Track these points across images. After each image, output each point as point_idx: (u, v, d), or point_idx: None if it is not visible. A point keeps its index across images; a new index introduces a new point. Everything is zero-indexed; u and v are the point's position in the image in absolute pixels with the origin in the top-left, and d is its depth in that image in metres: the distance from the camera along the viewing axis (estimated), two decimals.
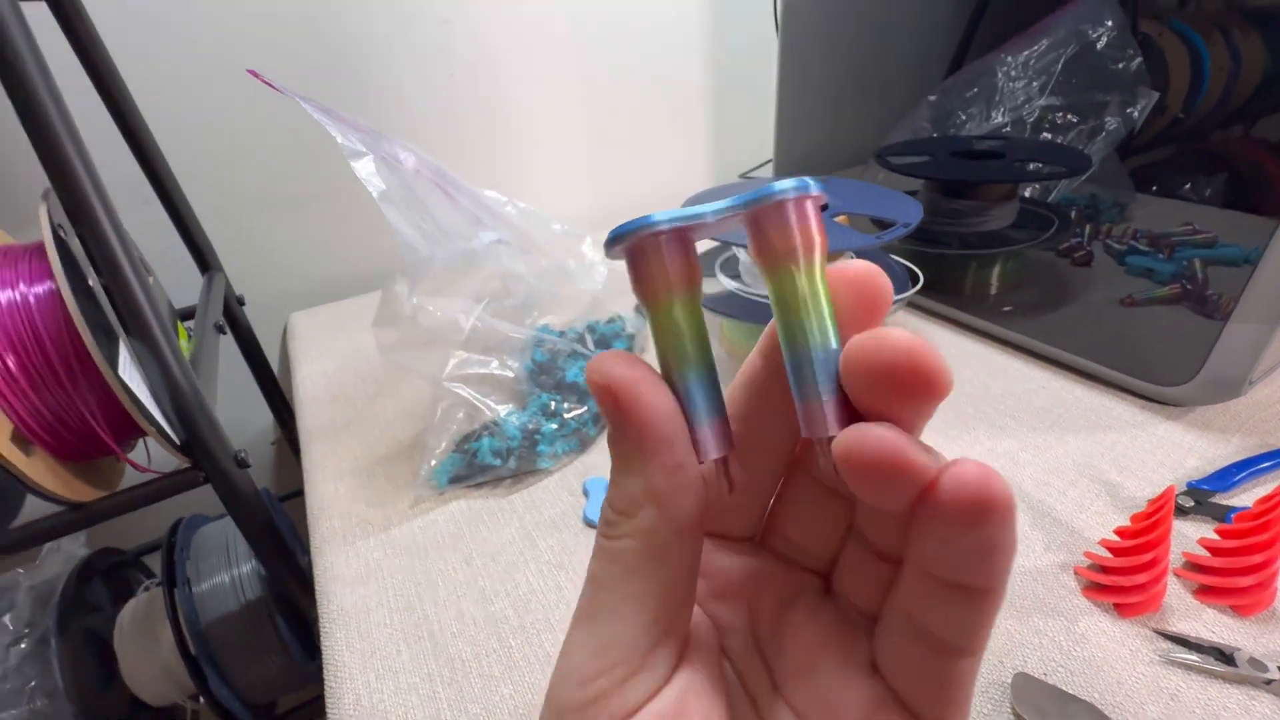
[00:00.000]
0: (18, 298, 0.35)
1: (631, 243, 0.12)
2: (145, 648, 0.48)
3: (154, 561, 0.60)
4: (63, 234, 0.37)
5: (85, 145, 0.34)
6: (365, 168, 0.36)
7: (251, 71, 0.37)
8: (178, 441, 0.39)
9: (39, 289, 0.36)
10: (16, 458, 0.33)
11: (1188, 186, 0.67)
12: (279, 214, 0.73)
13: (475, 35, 0.74)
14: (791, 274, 0.12)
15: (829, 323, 0.12)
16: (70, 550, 0.53)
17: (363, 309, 0.72)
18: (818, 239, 0.12)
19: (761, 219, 0.12)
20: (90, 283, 0.36)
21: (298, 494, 0.51)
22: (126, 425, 0.38)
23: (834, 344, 0.12)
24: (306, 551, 0.44)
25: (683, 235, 0.13)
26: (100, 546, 0.57)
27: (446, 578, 0.37)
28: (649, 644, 0.12)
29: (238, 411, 0.80)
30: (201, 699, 0.49)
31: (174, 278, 0.63)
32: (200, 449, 0.40)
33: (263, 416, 0.79)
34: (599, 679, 0.12)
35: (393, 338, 0.43)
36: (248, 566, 0.51)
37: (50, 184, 0.34)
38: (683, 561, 0.13)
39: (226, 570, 0.50)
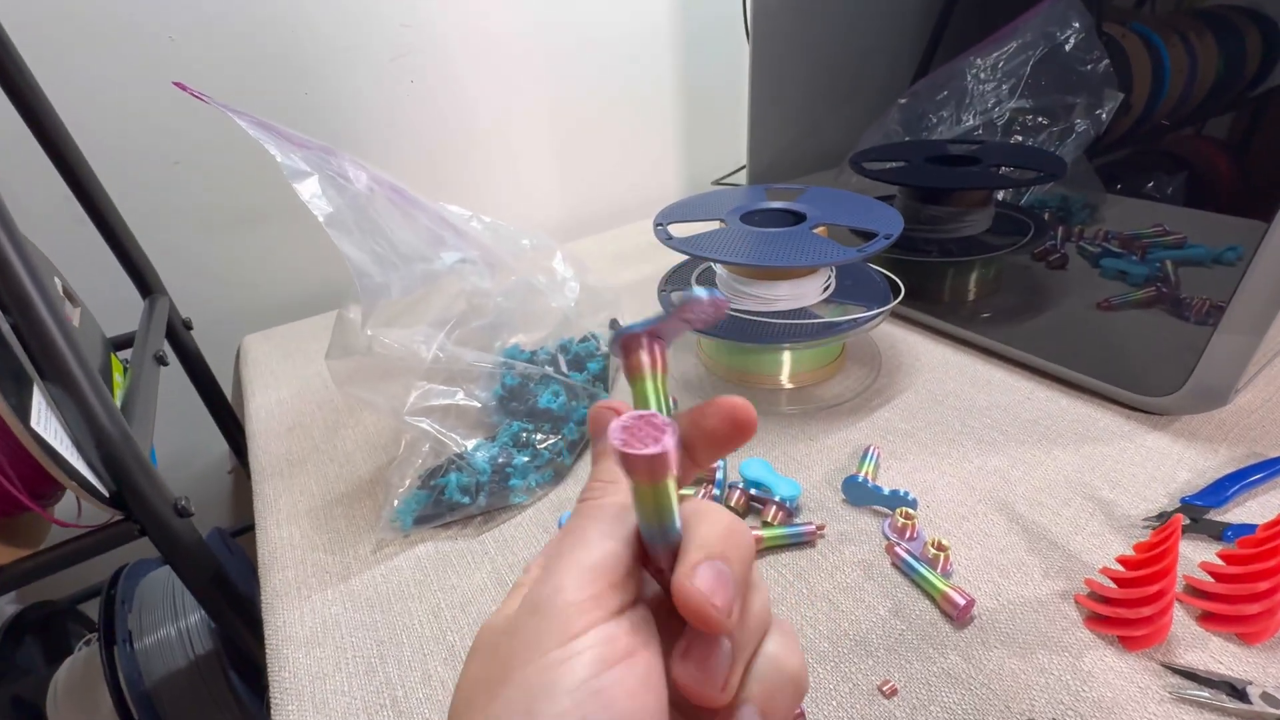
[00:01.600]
0: None
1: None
2: (82, 714, 0.44)
3: (94, 609, 0.55)
4: None
5: None
6: (310, 188, 0.33)
7: (178, 84, 0.33)
8: (106, 494, 0.35)
9: None
10: None
11: (1151, 185, 0.68)
12: (228, 231, 0.69)
13: (435, 41, 0.71)
14: (642, 493, 0.15)
15: (671, 518, 0.15)
16: None
17: (321, 330, 0.68)
18: (671, 466, 0.14)
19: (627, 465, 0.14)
20: None
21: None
22: (46, 478, 0.34)
23: (674, 532, 0.16)
24: None
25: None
26: (33, 600, 0.52)
27: (412, 633, 0.34)
28: (624, 570, 0.16)
29: (190, 439, 0.75)
30: None
31: (112, 301, 0.59)
32: (134, 500, 0.36)
33: (218, 442, 0.75)
34: (594, 584, 0.15)
35: (348, 370, 0.39)
36: (196, 616, 0.47)
37: None
38: None
39: (173, 622, 0.46)
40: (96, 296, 0.56)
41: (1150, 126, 0.71)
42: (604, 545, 0.16)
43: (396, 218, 0.40)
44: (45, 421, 0.32)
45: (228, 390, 0.71)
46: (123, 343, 0.55)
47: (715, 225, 0.51)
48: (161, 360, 0.51)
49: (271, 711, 0.31)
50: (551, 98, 0.81)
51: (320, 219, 0.33)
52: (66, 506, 0.41)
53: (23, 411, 0.31)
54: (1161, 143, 0.73)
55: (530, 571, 0.19)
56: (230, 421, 0.71)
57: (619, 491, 0.17)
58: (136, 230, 0.59)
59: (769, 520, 0.38)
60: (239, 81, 0.63)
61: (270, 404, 0.56)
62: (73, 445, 0.34)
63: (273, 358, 0.64)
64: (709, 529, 0.16)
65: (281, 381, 0.60)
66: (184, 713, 0.44)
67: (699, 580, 0.14)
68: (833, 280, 0.52)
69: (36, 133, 0.49)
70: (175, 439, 0.75)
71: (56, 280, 0.44)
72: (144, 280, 0.60)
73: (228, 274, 0.71)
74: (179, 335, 0.63)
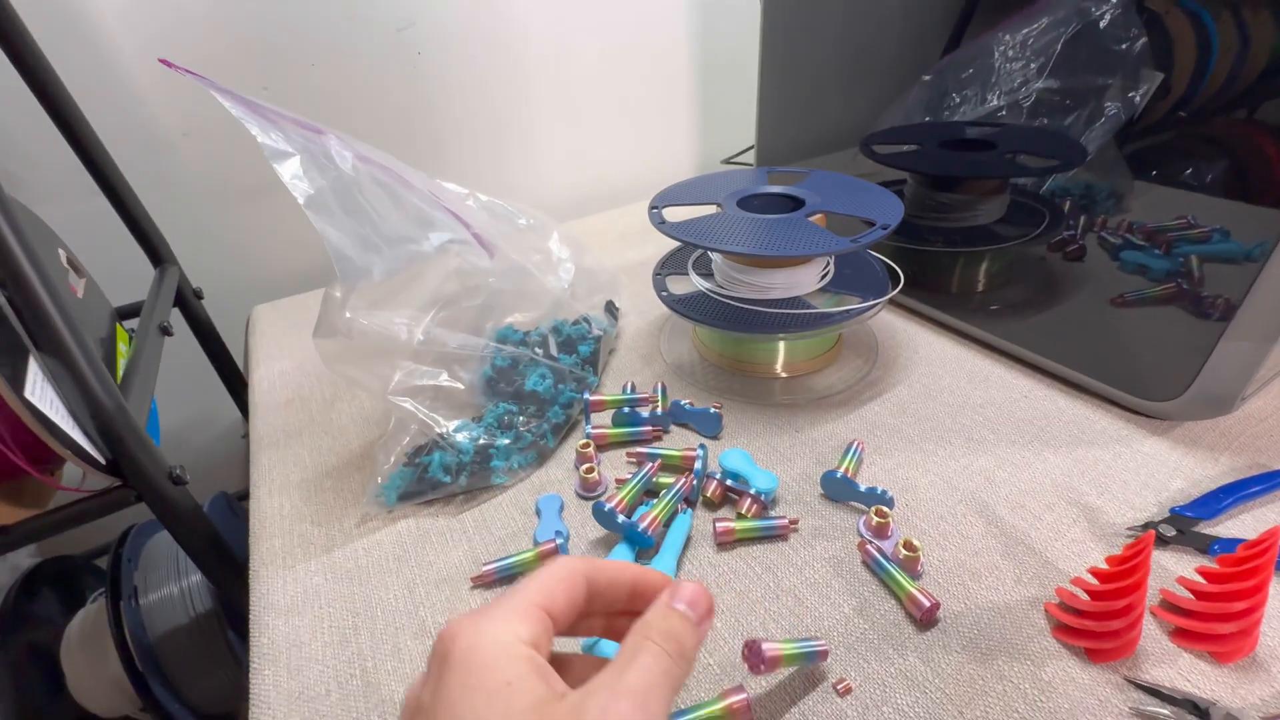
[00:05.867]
0: None
1: None
2: (93, 662, 0.47)
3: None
4: None
5: None
6: (291, 169, 0.33)
7: (164, 60, 0.34)
8: (102, 461, 0.37)
9: None
10: None
11: (1188, 173, 0.64)
12: (239, 202, 0.70)
13: (443, 13, 0.70)
14: None
15: None
16: (15, 560, 0.52)
17: None
18: None
19: None
20: None
21: None
22: (46, 446, 0.35)
23: None
24: None
25: None
26: (50, 555, 0.55)
27: (386, 607, 0.35)
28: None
29: (204, 405, 0.78)
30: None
31: (126, 271, 0.61)
32: (129, 468, 0.38)
33: (230, 409, 0.77)
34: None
35: (335, 349, 0.40)
36: (197, 577, 0.49)
37: None
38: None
39: (175, 581, 0.49)
40: (109, 266, 0.58)
41: (1192, 110, 0.67)
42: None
43: (383, 198, 0.40)
44: (40, 392, 0.33)
45: (239, 358, 0.73)
46: (132, 312, 0.57)
47: (713, 209, 0.50)
48: (166, 330, 0.52)
49: (250, 674, 0.33)
50: (563, 72, 0.80)
51: (300, 201, 0.33)
52: (75, 471, 0.43)
53: (17, 382, 0.32)
54: (1203, 128, 0.69)
55: (531, 643, 0.19)
56: (242, 388, 0.73)
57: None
58: (148, 201, 0.61)
59: (743, 513, 0.38)
60: (244, 54, 0.63)
61: (273, 375, 0.58)
62: (68, 415, 0.35)
63: (279, 329, 0.65)
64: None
65: (286, 353, 0.61)
66: (185, 666, 0.47)
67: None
68: (831, 268, 0.51)
69: (45, 104, 0.50)
70: (190, 405, 0.77)
71: (61, 252, 0.45)
72: (155, 250, 0.62)
73: (239, 244, 0.72)
74: (190, 305, 0.65)
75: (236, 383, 0.73)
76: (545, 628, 0.20)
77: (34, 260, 0.33)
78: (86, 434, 0.36)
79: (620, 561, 0.23)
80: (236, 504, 0.60)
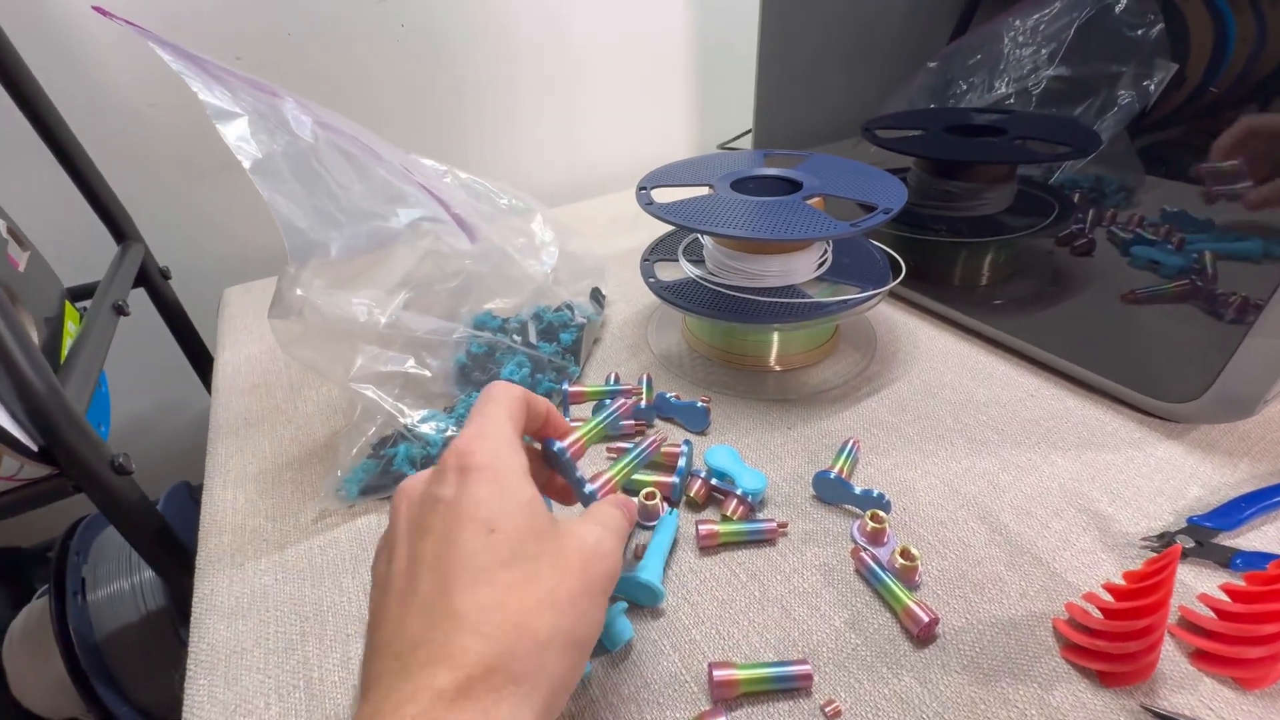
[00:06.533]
0: None
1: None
2: (35, 660, 0.44)
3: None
4: None
5: None
6: (237, 130, 0.30)
7: (98, 8, 0.30)
8: (33, 448, 0.34)
9: None
10: None
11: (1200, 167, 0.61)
12: (210, 177, 0.67)
13: None
14: None
15: None
16: None
17: None
18: None
19: None
20: None
21: None
22: None
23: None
24: None
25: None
26: None
27: (338, 611, 0.32)
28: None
29: (173, 391, 0.74)
30: None
31: (88, 248, 0.57)
32: (64, 456, 0.35)
33: (203, 395, 0.74)
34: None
35: (293, 331, 0.37)
36: (150, 573, 0.47)
37: None
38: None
39: (126, 576, 0.46)
40: (70, 243, 0.54)
41: (1207, 101, 0.64)
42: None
43: (346, 169, 0.37)
44: None
45: (211, 342, 0.70)
46: (90, 292, 0.53)
47: (705, 191, 0.47)
48: (122, 310, 0.49)
49: (184, 683, 0.30)
50: (553, 49, 0.76)
51: (245, 165, 0.30)
52: (14, 461, 0.40)
53: None
54: (1218, 120, 0.66)
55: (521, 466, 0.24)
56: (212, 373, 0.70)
57: None
58: (112, 175, 0.57)
59: (728, 514, 0.35)
60: (216, 20, 0.60)
61: (239, 360, 0.55)
62: None
63: (249, 312, 0.62)
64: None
65: (254, 337, 0.58)
66: (133, 666, 0.44)
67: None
68: (829, 256, 0.48)
69: None
70: (159, 391, 0.74)
71: (0, 222, 0.42)
72: (117, 226, 0.58)
73: (210, 222, 0.69)
74: (156, 284, 0.62)
75: (207, 367, 0.69)
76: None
77: None
78: (14, 418, 0.33)
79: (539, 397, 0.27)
80: (200, 494, 0.57)
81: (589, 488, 0.28)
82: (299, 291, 0.33)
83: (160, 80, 0.60)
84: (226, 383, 0.52)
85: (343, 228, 0.35)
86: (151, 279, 0.61)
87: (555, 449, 0.28)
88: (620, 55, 0.81)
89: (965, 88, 0.69)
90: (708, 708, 0.27)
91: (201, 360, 0.69)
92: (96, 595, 0.45)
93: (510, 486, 0.22)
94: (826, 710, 0.27)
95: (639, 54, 0.82)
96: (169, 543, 0.41)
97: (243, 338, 0.58)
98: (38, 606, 0.47)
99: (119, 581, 0.46)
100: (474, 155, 0.78)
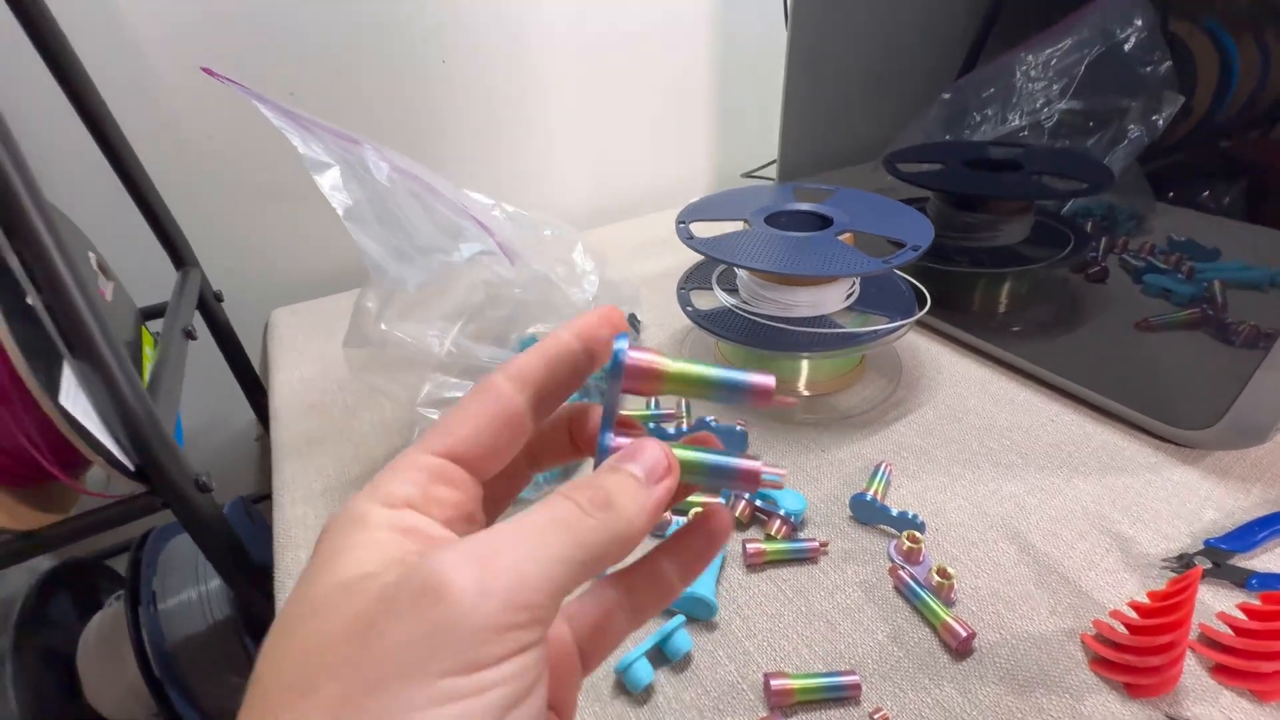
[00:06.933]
0: None
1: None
2: (110, 667, 0.47)
3: (121, 563, 0.58)
4: None
5: (20, 150, 0.31)
6: (330, 180, 0.33)
7: (206, 69, 0.34)
8: (130, 468, 0.37)
9: None
10: None
11: (1206, 194, 0.64)
12: (260, 205, 0.70)
13: (468, 21, 0.70)
14: None
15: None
16: (33, 563, 0.51)
17: (346, 307, 0.69)
18: None
19: None
20: (29, 300, 0.33)
21: None
22: (74, 449, 0.35)
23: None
24: None
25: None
26: (67, 558, 0.55)
27: None
28: (574, 580, 0.14)
29: (219, 407, 0.77)
30: None
31: (147, 269, 0.61)
32: (157, 475, 0.38)
33: (245, 411, 0.77)
34: (536, 597, 0.13)
35: (365, 357, 0.40)
36: (216, 582, 0.49)
37: None
38: None
39: (194, 586, 0.49)
40: (131, 266, 0.58)
41: (1211, 131, 0.66)
42: (560, 542, 0.13)
43: (417, 209, 0.40)
44: (74, 397, 0.33)
45: (255, 360, 0.73)
46: (154, 312, 0.57)
47: (739, 225, 0.50)
48: (190, 335, 0.52)
49: None
50: (585, 81, 0.80)
51: (340, 212, 0.33)
52: (99, 474, 0.43)
53: (52, 387, 0.32)
54: (1223, 150, 0.68)
55: (403, 503, 0.14)
56: (258, 391, 0.73)
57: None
58: (171, 203, 0.61)
59: (772, 534, 0.38)
60: (272, 59, 0.63)
61: (293, 381, 0.58)
62: (99, 421, 0.35)
63: (298, 333, 0.65)
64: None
65: (305, 359, 0.61)
66: (203, 673, 0.47)
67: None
68: (856, 287, 0.51)
69: (78, 108, 0.50)
70: (207, 407, 0.77)
71: (91, 255, 0.45)
72: (177, 252, 0.62)
73: (259, 247, 0.72)
74: (210, 307, 0.65)
75: (252, 386, 0.72)
76: (434, 474, 0.15)
77: (71, 266, 0.33)
78: (116, 439, 0.36)
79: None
80: (253, 509, 0.60)
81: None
82: (382, 325, 0.36)
83: (215, 116, 0.63)
84: (284, 404, 0.55)
85: (415, 263, 0.38)
86: (206, 301, 0.64)
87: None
88: (647, 87, 0.84)
89: (979, 119, 0.72)
90: (764, 713, 0.29)
91: (247, 379, 0.72)
92: (167, 605, 0.47)
93: (314, 591, 0.13)
94: (875, 717, 0.29)
95: (665, 86, 0.85)
96: (239, 556, 0.44)
97: (294, 359, 0.61)
98: (109, 615, 0.49)
99: (187, 591, 0.48)
100: (507, 181, 0.81)
